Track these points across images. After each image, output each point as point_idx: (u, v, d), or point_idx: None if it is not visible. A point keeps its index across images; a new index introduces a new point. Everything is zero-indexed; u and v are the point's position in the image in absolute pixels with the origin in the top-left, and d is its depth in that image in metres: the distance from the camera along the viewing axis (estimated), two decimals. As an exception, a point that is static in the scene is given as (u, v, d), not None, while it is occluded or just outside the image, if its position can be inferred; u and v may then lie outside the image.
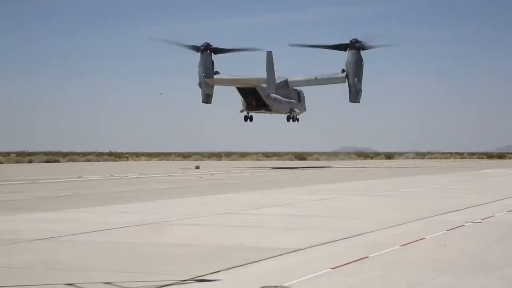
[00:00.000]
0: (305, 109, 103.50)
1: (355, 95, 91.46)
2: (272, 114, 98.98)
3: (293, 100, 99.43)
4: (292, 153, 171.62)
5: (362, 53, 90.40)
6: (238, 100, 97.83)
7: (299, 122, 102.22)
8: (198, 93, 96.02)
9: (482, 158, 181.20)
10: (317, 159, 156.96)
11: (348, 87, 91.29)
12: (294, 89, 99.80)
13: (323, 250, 18.10)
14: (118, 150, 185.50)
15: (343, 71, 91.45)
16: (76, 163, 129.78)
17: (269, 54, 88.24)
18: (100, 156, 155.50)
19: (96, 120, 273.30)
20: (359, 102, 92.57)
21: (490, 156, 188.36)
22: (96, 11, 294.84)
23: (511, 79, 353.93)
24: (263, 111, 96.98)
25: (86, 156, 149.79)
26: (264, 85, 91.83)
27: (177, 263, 16.34)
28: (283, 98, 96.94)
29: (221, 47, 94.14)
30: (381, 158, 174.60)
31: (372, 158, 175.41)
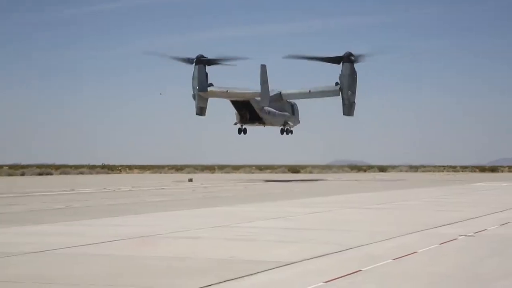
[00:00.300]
0: (299, 122, 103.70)
1: (348, 108, 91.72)
2: (266, 127, 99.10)
3: (287, 113, 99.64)
4: (286, 166, 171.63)
5: (356, 66, 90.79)
6: (231, 113, 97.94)
7: (292, 134, 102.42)
8: (192, 105, 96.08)
9: (474, 171, 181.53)
10: (310, 172, 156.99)
11: (342, 100, 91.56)
12: (288, 101, 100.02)
13: (317, 263, 18.06)
14: (111, 163, 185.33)
15: (336, 84, 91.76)
16: (69, 175, 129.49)
17: (263, 67, 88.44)
18: (93, 168, 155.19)
19: (89, 132, 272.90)
20: (352, 115, 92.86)
21: (482, 169, 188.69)
22: (87, 25, 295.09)
23: (504, 92, 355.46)
24: (257, 124, 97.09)
25: (79, 169, 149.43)
26: (258, 98, 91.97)
27: (170, 276, 16.27)
28: (277, 111, 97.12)
29: (215, 59, 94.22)
30: (374, 171, 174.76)
31: (365, 171, 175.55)
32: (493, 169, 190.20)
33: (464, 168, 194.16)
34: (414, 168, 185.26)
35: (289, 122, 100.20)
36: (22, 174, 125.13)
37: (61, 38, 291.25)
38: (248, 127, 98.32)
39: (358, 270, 16.81)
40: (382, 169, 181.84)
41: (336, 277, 15.85)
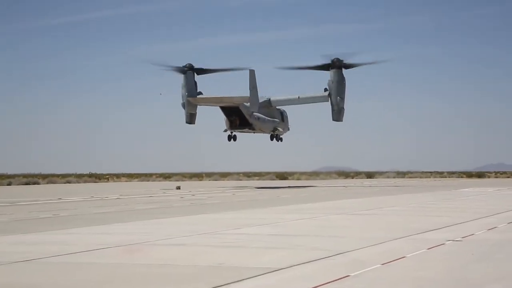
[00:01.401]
0: (289, 129, 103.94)
1: (338, 114, 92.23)
2: (255, 133, 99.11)
3: (276, 119, 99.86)
4: (273, 172, 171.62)
5: (344, 72, 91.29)
6: (220, 121, 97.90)
7: (282, 142, 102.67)
8: (180, 114, 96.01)
9: (461, 177, 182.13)
10: (298, 179, 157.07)
11: (331, 106, 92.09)
12: (277, 108, 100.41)
13: (305, 269, 18.08)
14: (99, 172, 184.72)
15: (325, 90, 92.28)
16: (56, 184, 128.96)
17: (252, 73, 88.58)
18: (80, 177, 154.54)
19: (76, 141, 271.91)
20: (342, 121, 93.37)
21: (469, 175, 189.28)
22: (75, 33, 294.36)
23: (491, 98, 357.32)
24: (246, 130, 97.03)
25: (66, 178, 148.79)
26: (247, 104, 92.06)
27: (158, 283, 16.25)
28: (266, 117, 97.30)
29: (204, 67, 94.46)
30: (362, 177, 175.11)
31: (353, 177, 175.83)
32: (480, 174, 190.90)
33: (451, 174, 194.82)
34: (401, 174, 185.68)
35: (278, 128, 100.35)
36: (9, 184, 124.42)
37: (48, 47, 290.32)
38: (238, 134, 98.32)
39: (346, 275, 16.85)
40: (370, 175, 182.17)
41: (324, 282, 15.88)
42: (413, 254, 20.77)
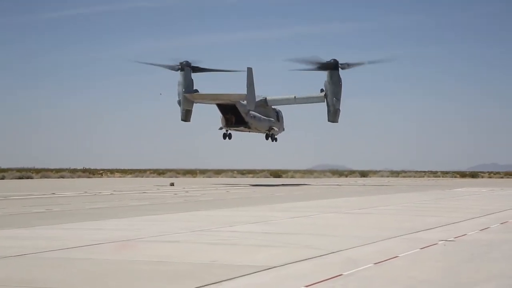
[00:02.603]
0: (284, 129, 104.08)
1: (333, 115, 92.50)
2: (251, 132, 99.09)
3: (272, 119, 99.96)
4: (267, 170, 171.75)
5: (341, 72, 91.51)
6: (215, 119, 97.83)
7: (277, 142, 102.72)
8: (176, 111, 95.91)
9: (455, 176, 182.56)
10: (292, 177, 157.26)
11: (326, 107, 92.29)
12: (272, 108, 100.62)
13: (298, 267, 18.11)
14: (92, 167, 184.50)
15: (321, 90, 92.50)
16: (50, 179, 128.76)
17: (249, 70, 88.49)
18: (74, 172, 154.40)
19: (70, 136, 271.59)
20: (337, 122, 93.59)
21: (463, 175, 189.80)
22: (70, 29, 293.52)
23: (485, 99, 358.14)
24: (242, 128, 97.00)
25: (59, 173, 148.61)
26: (244, 102, 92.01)
27: (150, 280, 16.25)
28: (262, 116, 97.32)
29: (201, 66, 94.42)
30: (355, 176, 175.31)
31: (346, 176, 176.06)
32: (473, 174, 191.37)
33: (445, 174, 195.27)
34: (395, 173, 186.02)
35: (274, 128, 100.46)
36: (2, 178, 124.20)
37: (43, 42, 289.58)
38: (233, 132, 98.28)
39: (339, 274, 16.88)
40: (364, 174, 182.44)
41: (317, 281, 15.91)
42: (406, 253, 20.81)
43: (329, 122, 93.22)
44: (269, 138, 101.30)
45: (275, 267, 18.01)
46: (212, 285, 15.46)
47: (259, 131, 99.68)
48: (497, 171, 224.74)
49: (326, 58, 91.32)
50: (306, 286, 15.38)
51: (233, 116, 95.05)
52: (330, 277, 16.47)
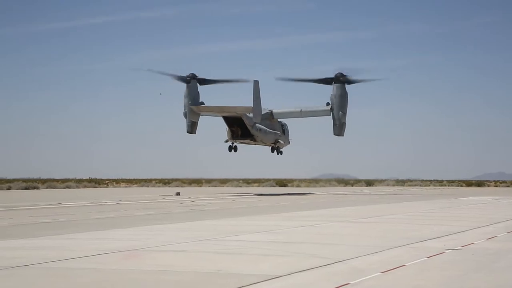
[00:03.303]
0: (289, 143, 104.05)
1: (339, 129, 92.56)
2: (256, 144, 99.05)
3: (277, 132, 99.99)
4: (273, 179, 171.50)
5: (347, 87, 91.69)
6: (220, 131, 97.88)
7: (282, 155, 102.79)
8: (181, 122, 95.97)
9: (461, 185, 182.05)
10: (297, 186, 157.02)
11: (332, 120, 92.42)
12: (278, 121, 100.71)
13: (304, 276, 18.04)
14: (98, 177, 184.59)
15: (327, 104, 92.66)
16: (56, 189, 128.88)
17: (256, 83, 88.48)
18: (79, 182, 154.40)
19: (75, 146, 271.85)
20: (343, 136, 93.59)
21: (469, 183, 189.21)
22: (75, 39, 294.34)
23: (491, 107, 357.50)
24: (248, 141, 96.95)
25: (65, 183, 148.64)
26: (250, 115, 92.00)
27: (156, 290, 16.21)
28: (268, 129, 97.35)
29: (207, 77, 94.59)
30: (361, 185, 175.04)
31: (352, 185, 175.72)
32: (479, 183, 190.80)
33: (450, 183, 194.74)
34: (401, 182, 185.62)
35: (280, 141, 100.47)
36: (8, 188, 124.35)
37: (48, 52, 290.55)
38: (238, 144, 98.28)
39: (346, 283, 16.81)
40: (369, 183, 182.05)
41: (324, 290, 15.84)
42: (412, 262, 20.73)
43: (335, 136, 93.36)
44: (275, 151, 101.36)
45: (281, 276, 17.95)
46: (218, 295, 15.40)
47: (265, 144, 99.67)
48: (503, 180, 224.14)
49: (330, 67, 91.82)
50: (312, 295, 15.31)
51: (239, 128, 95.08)
52: (336, 286, 16.40)
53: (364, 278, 17.58)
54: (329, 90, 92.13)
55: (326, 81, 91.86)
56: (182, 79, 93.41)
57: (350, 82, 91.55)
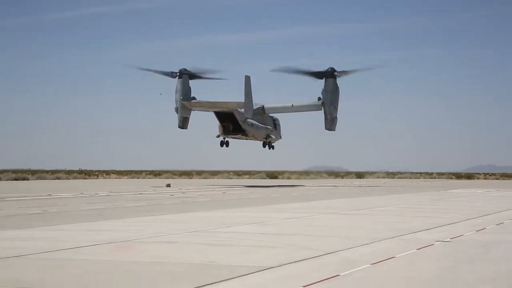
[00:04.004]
0: (281, 137, 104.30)
1: (330, 123, 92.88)
2: (248, 139, 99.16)
3: (269, 127, 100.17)
4: (264, 171, 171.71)
5: (338, 80, 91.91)
6: (212, 126, 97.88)
7: (274, 149, 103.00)
8: (173, 117, 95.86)
9: (451, 178, 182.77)
10: (288, 178, 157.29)
11: (324, 115, 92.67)
12: (270, 116, 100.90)
13: (295, 268, 18.13)
14: (88, 168, 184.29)
15: (319, 99, 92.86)
16: (46, 181, 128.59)
17: (247, 79, 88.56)
18: (69, 174, 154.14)
19: (65, 137, 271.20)
20: (334, 130, 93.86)
21: (458, 176, 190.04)
22: (67, 32, 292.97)
23: (481, 100, 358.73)
24: (239, 136, 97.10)
25: (55, 174, 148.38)
26: (241, 110, 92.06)
27: (147, 281, 16.26)
28: (259, 124, 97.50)
29: (198, 73, 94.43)
30: (351, 177, 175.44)
31: (343, 177, 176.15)
32: (469, 176, 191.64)
33: (440, 175, 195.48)
34: (391, 175, 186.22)
35: (271, 136, 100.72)
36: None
37: (38, 45, 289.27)
38: (230, 139, 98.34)
39: (336, 275, 16.91)
40: (360, 175, 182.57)
41: (315, 281, 15.94)
42: (402, 254, 20.86)
43: (326, 130, 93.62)
44: (266, 145, 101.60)
45: (272, 267, 18.03)
46: (209, 286, 15.48)
47: (257, 139, 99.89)
48: (493, 172, 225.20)
49: (323, 60, 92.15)
50: (303, 286, 15.40)
51: (231, 124, 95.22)
52: (327, 277, 16.50)
53: (354, 270, 17.69)
54: (321, 85, 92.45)
55: (318, 75, 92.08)
56: (172, 74, 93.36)
57: (340, 76, 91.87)
